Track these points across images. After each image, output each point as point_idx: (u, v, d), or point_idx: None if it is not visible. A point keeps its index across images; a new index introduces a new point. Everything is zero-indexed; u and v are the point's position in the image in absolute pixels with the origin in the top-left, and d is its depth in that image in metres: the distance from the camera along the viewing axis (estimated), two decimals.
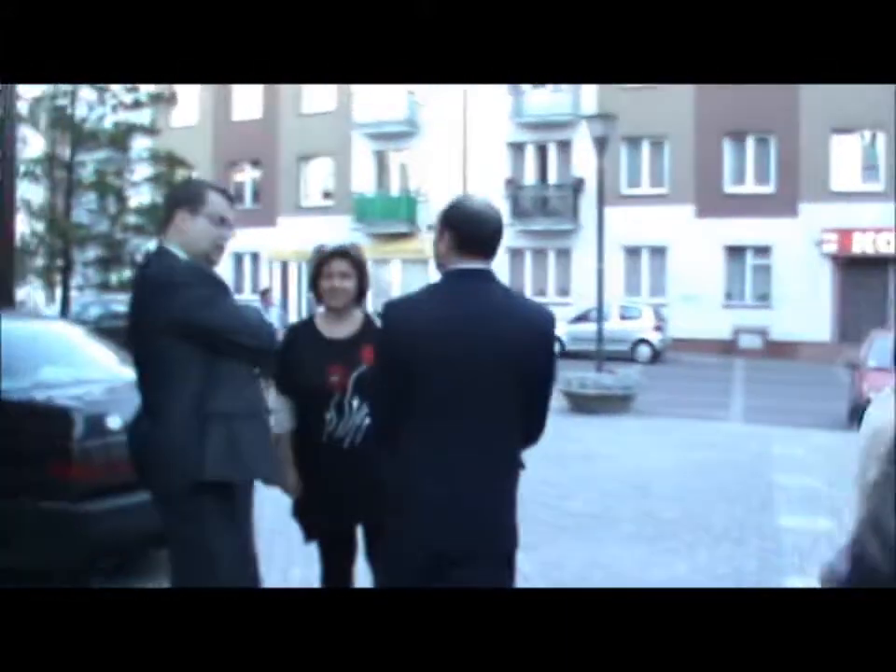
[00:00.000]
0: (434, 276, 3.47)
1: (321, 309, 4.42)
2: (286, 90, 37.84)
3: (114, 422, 5.54)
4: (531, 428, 3.40)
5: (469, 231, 3.27)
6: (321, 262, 4.30)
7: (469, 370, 3.17)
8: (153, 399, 3.77)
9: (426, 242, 35.07)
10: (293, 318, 32.24)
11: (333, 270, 4.27)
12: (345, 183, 37.65)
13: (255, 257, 38.64)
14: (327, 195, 38.62)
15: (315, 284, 4.35)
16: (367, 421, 4.12)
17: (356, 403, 4.17)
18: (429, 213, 35.55)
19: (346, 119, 37.01)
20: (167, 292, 3.64)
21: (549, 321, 3.37)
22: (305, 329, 4.40)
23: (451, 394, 3.18)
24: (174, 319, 3.62)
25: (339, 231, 33.29)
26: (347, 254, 4.33)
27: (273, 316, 18.06)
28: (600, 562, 7.01)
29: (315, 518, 4.27)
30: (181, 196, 3.93)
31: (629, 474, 10.49)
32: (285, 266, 38.22)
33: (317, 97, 37.84)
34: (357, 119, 36.78)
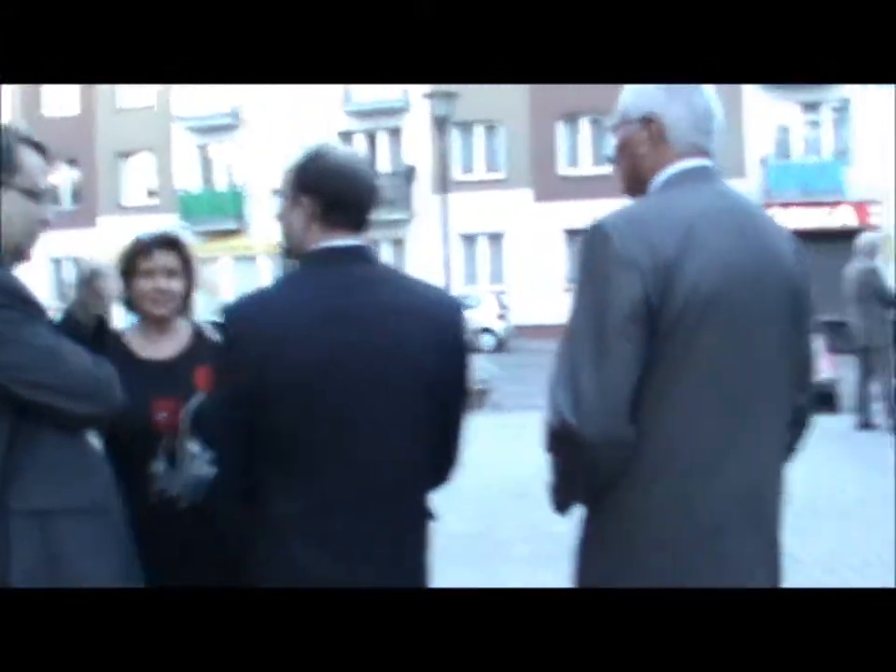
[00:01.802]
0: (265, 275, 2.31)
1: (132, 321, 3.24)
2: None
3: None
4: (443, 463, 2.50)
5: (336, 192, 2.31)
6: (137, 255, 3.13)
7: (359, 390, 2.22)
8: None
9: (255, 238, 33.77)
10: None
11: (156, 265, 3.13)
12: (169, 180, 35.94)
13: (76, 261, 36.43)
14: (150, 193, 36.90)
15: (127, 286, 3.10)
16: (211, 470, 2.97)
17: (193, 447, 2.99)
18: (257, 208, 34.29)
19: (166, 113, 35.32)
20: None
21: (457, 310, 2.40)
22: (111, 350, 3.15)
23: (335, 426, 2.22)
24: None
25: (165, 229, 31.66)
26: (175, 244, 3.20)
27: None
28: None
29: None
30: None
31: (505, 481, 9.21)
32: None
33: (135, 91, 36.04)
34: (177, 112, 35.17)
